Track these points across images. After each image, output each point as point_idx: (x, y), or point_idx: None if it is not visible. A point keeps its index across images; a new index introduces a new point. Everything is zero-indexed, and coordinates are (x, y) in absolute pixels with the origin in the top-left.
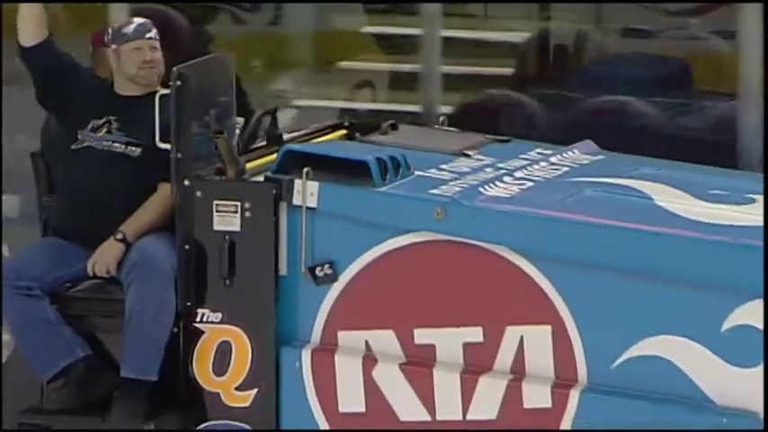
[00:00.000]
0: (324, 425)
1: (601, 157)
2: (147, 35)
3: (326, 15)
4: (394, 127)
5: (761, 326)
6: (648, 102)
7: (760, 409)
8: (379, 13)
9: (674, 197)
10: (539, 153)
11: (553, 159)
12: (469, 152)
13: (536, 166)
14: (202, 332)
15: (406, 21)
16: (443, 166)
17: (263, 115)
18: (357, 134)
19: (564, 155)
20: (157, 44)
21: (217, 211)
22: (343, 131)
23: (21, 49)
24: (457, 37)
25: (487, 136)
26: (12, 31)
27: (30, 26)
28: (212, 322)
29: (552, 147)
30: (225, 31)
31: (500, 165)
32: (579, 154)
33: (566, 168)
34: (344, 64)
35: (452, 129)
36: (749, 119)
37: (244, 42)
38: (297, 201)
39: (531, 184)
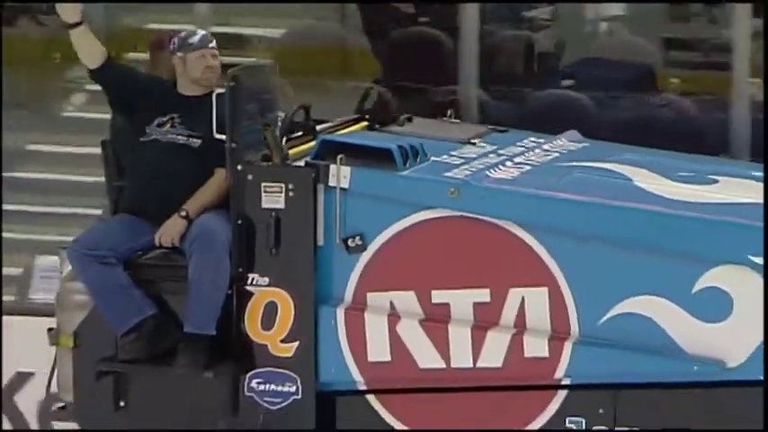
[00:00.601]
0: (355, 371)
1: (585, 144)
2: (210, 45)
3: (116, 14)
4: (409, 119)
5: (726, 287)
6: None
7: (725, 358)
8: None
9: (649, 178)
10: (532, 141)
11: (545, 146)
12: (475, 140)
13: (531, 153)
14: (252, 294)
15: (182, 18)
16: (454, 153)
17: (298, 110)
18: (377, 125)
19: (554, 143)
20: (217, 52)
21: (265, 192)
22: (365, 123)
23: (89, 71)
24: (224, 32)
25: (488, 126)
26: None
27: (87, 52)
28: (261, 285)
29: (543, 135)
30: (24, 33)
31: (501, 151)
32: (566, 142)
33: (556, 154)
34: (132, 55)
35: (458, 120)
36: (470, 102)
37: (43, 43)
38: (332, 183)
39: (528, 167)
